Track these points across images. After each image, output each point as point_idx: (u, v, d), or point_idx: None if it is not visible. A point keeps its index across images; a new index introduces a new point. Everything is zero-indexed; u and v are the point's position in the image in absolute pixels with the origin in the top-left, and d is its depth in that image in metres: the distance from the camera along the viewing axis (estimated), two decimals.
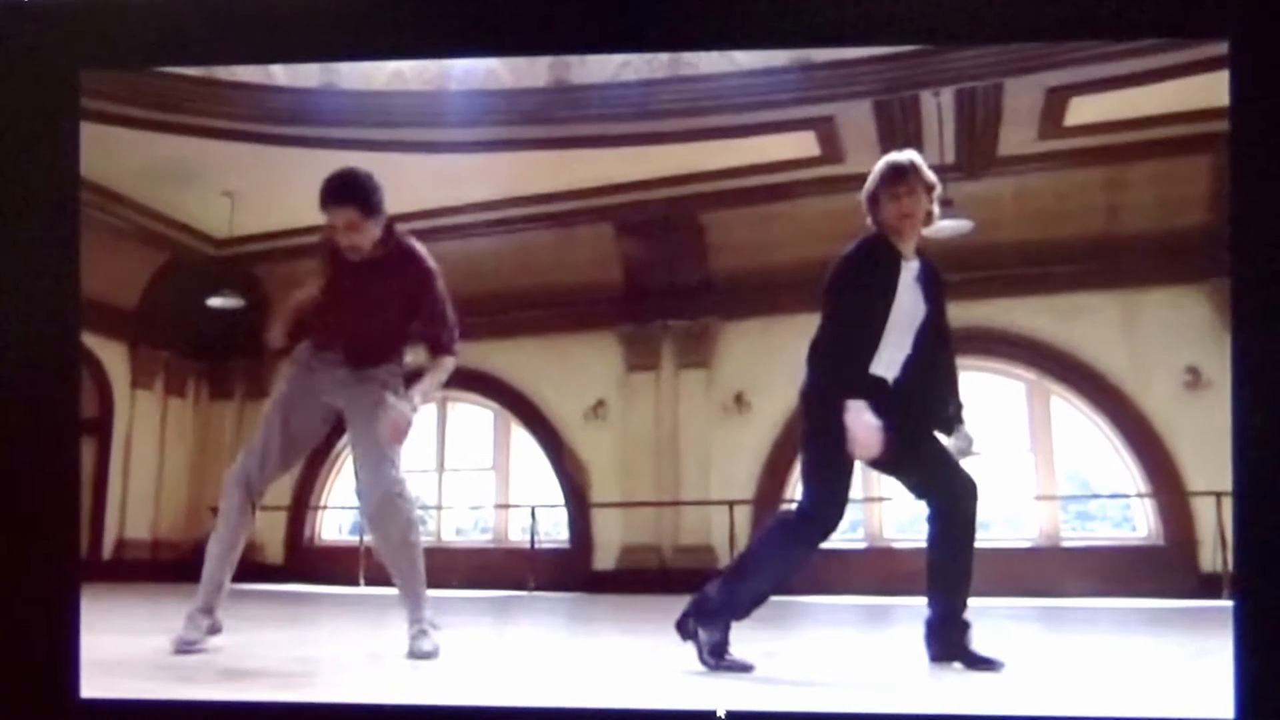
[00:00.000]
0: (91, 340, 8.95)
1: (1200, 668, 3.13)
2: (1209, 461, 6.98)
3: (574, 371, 9.26)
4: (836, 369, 2.82)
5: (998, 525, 8.35)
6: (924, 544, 2.96)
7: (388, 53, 4.69)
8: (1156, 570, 7.56)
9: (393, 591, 3.22)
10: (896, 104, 6.99)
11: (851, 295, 2.86)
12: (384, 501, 3.14)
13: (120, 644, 3.28)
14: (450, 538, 9.85)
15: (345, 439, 3.26)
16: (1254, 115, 2.35)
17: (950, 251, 5.04)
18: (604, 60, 6.81)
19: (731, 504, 8.29)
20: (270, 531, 9.52)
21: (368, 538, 4.53)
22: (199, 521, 8.87)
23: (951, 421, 2.99)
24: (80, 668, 2.48)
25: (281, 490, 8.70)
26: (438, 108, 7.08)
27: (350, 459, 3.31)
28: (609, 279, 9.15)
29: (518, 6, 2.59)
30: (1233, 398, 2.31)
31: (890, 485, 3.90)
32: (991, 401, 8.33)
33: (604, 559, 8.90)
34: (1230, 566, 4.41)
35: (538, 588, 8.47)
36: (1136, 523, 8.19)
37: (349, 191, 3.05)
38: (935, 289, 2.96)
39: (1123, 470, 8.17)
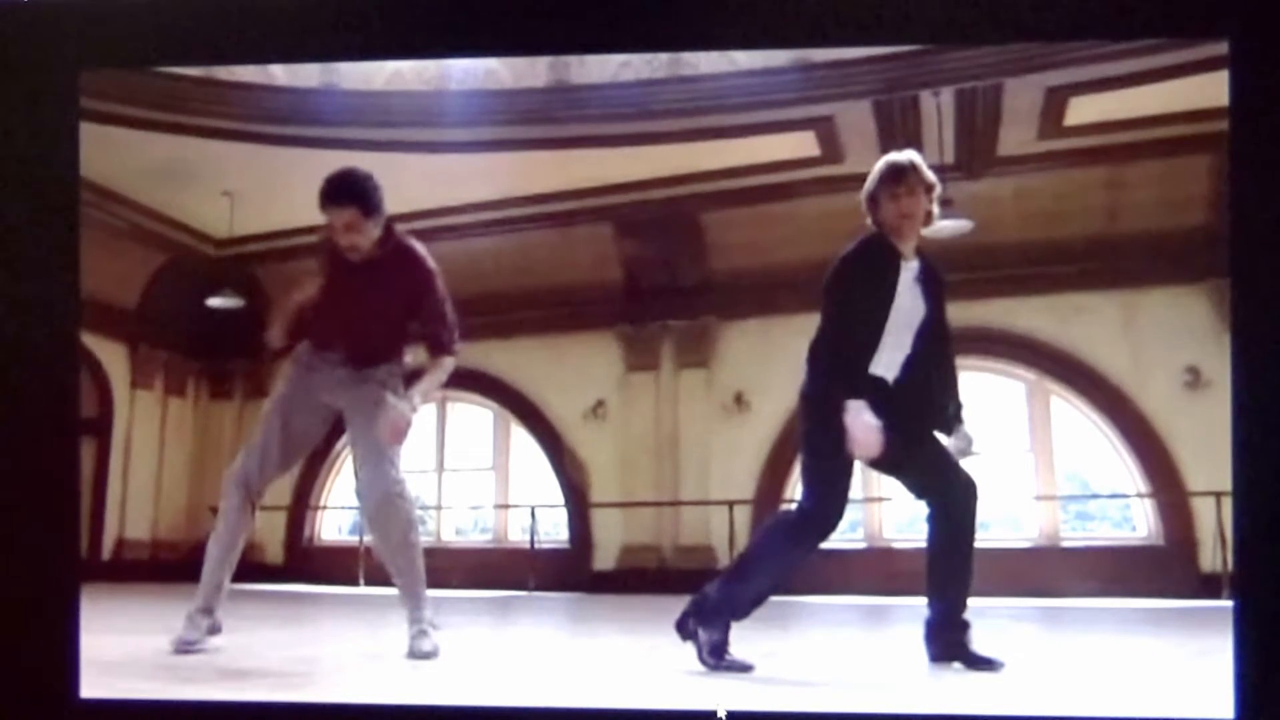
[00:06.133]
0: (91, 340, 8.95)
1: (1200, 668, 3.13)
2: (1209, 461, 6.98)
3: (574, 371, 9.26)
4: (836, 369, 2.82)
5: (998, 525, 8.35)
6: (924, 544, 2.96)
7: (388, 53, 4.68)
8: (1156, 570, 7.56)
9: (393, 591, 3.22)
10: (896, 104, 6.99)
11: (851, 295, 2.86)
12: (384, 501, 3.14)
13: (120, 644, 3.28)
14: (450, 538, 9.85)
15: (345, 439, 3.26)
16: (1254, 115, 2.35)
17: (950, 251, 5.04)
18: (604, 60, 6.81)
19: (731, 504, 8.29)
20: (270, 531, 9.52)
21: (368, 538, 4.53)
22: (199, 521, 8.87)
23: (951, 421, 2.99)
24: (80, 668, 2.48)
25: (281, 490, 8.70)
26: (438, 108, 7.08)
27: (350, 459, 3.31)
28: (609, 279, 9.15)
29: (518, 6, 2.59)
30: (1233, 398, 2.31)
31: (890, 485, 3.90)
32: (991, 401, 8.33)
33: (604, 559, 8.90)
34: (1230, 566, 4.41)
35: (538, 588, 8.47)
36: (1136, 523, 8.19)
37: (349, 191, 3.05)
38: (935, 289, 2.96)
39: (1123, 470, 8.17)
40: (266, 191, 8.11)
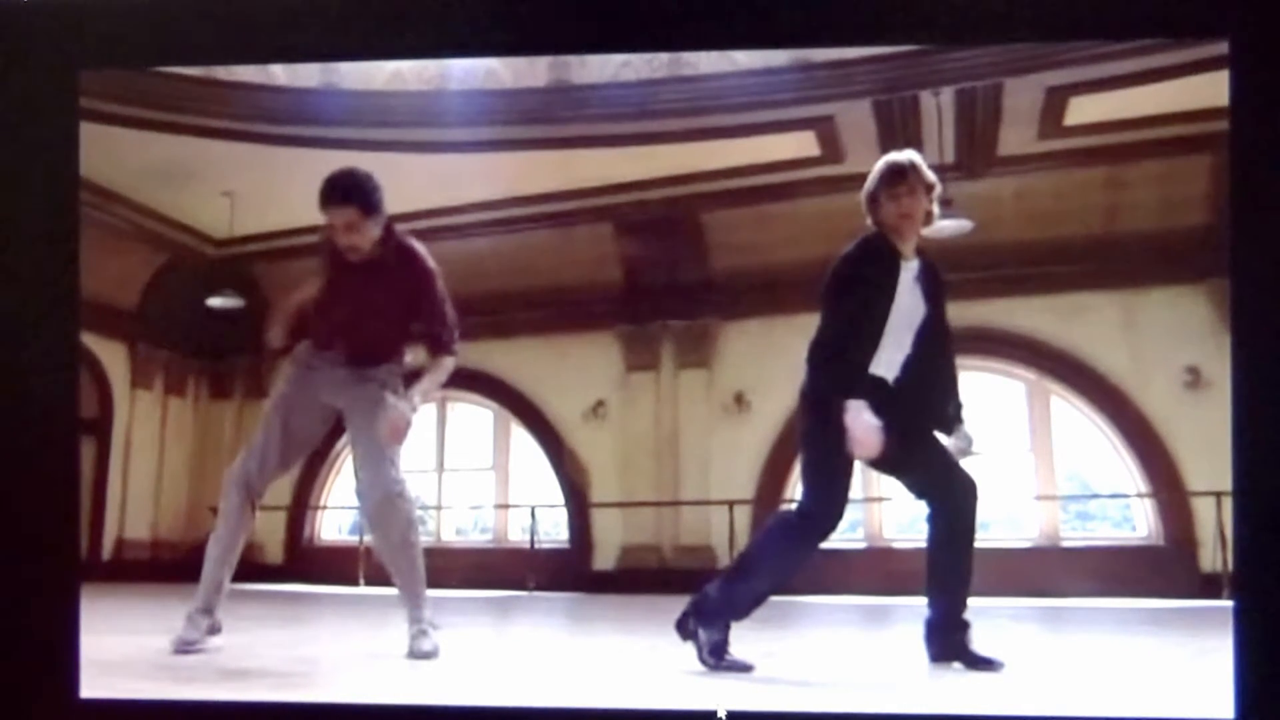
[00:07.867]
0: (91, 340, 8.96)
1: (1200, 668, 3.13)
2: (1209, 461, 6.98)
3: (574, 371, 9.26)
4: (836, 369, 2.82)
5: (998, 525, 8.35)
6: (924, 544, 2.96)
7: (388, 53, 4.68)
8: (1156, 570, 7.56)
9: (393, 591, 3.22)
10: (896, 104, 6.99)
11: (851, 295, 2.86)
12: (384, 501, 3.14)
13: (120, 644, 3.28)
14: (450, 538, 9.85)
15: (345, 439, 3.26)
16: (1254, 115, 2.35)
17: (950, 251, 5.04)
18: (604, 60, 6.81)
19: (731, 504, 8.29)
20: (270, 531, 9.52)
21: (368, 538, 4.53)
22: (199, 521, 8.87)
23: (951, 421, 2.99)
24: (80, 668, 2.48)
25: (281, 490, 8.71)
26: (438, 108, 7.08)
27: (350, 459, 3.31)
28: (609, 279, 9.15)
29: (518, 6, 2.59)
30: (1233, 398, 2.31)
31: (890, 485, 3.90)
32: (991, 401, 8.33)
33: (604, 559, 8.90)
34: (1230, 566, 4.41)
35: (538, 588, 8.47)
36: (1136, 523, 8.19)
37: (349, 191, 3.05)
38: (935, 289, 2.96)
39: (1123, 470, 8.17)
40: (266, 191, 8.11)
